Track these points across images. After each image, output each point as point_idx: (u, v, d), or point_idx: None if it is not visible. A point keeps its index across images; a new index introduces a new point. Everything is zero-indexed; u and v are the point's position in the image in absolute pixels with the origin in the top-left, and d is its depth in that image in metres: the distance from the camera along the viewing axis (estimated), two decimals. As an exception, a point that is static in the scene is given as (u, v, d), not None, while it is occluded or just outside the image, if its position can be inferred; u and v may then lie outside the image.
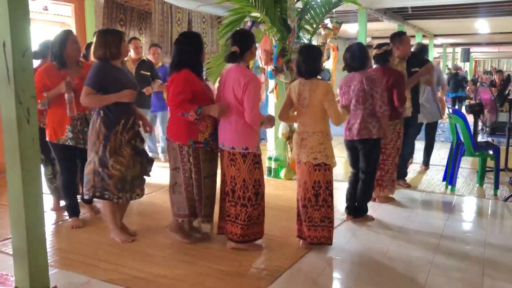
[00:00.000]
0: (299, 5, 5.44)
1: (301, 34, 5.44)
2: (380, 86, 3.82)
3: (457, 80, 12.50)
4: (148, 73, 5.85)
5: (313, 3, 5.39)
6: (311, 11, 5.43)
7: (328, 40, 5.68)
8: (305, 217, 3.38)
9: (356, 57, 3.87)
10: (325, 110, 3.32)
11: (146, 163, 3.57)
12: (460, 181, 5.41)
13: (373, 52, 4.35)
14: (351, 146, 4.02)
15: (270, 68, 5.14)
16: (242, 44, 3.27)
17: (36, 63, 4.11)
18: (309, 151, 3.33)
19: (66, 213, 4.06)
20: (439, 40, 17.90)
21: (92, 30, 6.39)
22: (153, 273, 3.01)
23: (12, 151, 2.26)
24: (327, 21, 5.73)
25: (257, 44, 5.30)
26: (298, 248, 3.42)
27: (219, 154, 3.43)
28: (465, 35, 16.08)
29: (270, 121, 3.41)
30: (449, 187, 5.12)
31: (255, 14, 5.28)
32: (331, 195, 3.37)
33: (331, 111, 3.31)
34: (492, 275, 3.06)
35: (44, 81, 3.61)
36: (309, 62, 3.35)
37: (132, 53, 5.72)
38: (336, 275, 3.12)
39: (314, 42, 5.57)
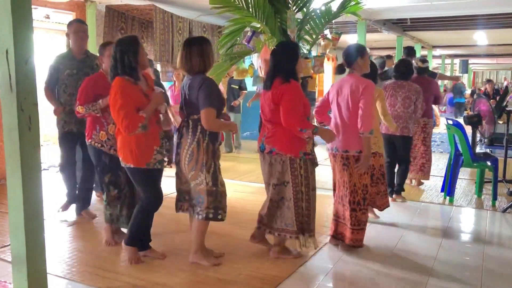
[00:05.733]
0: (299, 15, 5.48)
1: (300, 44, 5.47)
2: (422, 97, 4.95)
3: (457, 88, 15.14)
4: (237, 87, 7.88)
5: (313, 14, 5.43)
6: (311, 22, 5.47)
7: (327, 51, 5.71)
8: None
9: (404, 69, 5.04)
10: (376, 109, 4.17)
11: None
12: (458, 192, 5.42)
13: (418, 64, 5.70)
14: (390, 140, 5.00)
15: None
16: (347, 57, 3.57)
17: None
18: None
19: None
20: (437, 51, 18.02)
21: (93, 38, 6.40)
22: (151, 281, 3.01)
23: (13, 157, 2.27)
24: (327, 31, 5.77)
25: (257, 54, 5.37)
26: (297, 258, 3.41)
27: (332, 160, 3.67)
28: (464, 47, 16.19)
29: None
30: (448, 197, 5.13)
31: (256, 24, 5.32)
32: (382, 175, 4.21)
33: (383, 109, 4.34)
34: (491, 285, 3.07)
35: (129, 99, 2.99)
36: (370, 75, 3.89)
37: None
38: (334, 285, 3.12)
39: (314, 53, 5.60)
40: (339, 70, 3.65)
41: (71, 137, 4.16)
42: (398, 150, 5.05)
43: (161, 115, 3.11)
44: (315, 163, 3.34)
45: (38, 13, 6.47)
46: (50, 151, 7.34)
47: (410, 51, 6.58)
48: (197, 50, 3.08)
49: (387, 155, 4.98)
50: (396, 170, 5.15)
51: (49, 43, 7.65)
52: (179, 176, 3.28)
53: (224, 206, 3.20)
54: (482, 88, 16.50)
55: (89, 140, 3.55)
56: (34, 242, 2.35)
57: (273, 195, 3.31)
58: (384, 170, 4.24)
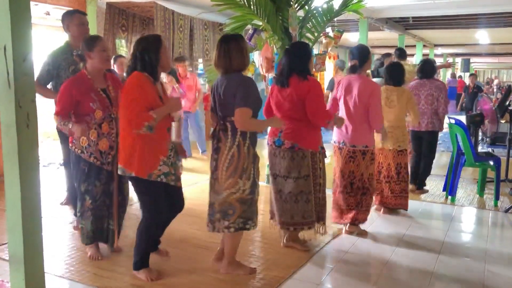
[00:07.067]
0: (301, 13, 5.45)
1: (302, 42, 5.44)
2: (444, 93, 5.18)
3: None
4: None
5: (314, 12, 5.40)
6: (313, 20, 5.44)
7: (329, 49, 5.68)
8: (387, 190, 4.43)
9: (427, 69, 5.30)
10: (406, 110, 4.39)
11: None
12: (460, 191, 5.40)
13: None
14: (418, 136, 5.30)
15: (271, 75, 5.14)
16: (360, 57, 3.82)
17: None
18: (395, 140, 4.31)
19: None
20: (439, 50, 17.98)
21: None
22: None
23: (11, 155, 2.24)
24: (329, 29, 5.74)
25: (258, 51, 5.34)
26: (298, 258, 3.40)
27: (336, 152, 3.92)
28: (466, 45, 16.15)
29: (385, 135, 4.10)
30: (450, 197, 5.11)
31: (257, 22, 5.29)
32: (407, 173, 4.44)
33: (414, 112, 4.44)
34: (492, 285, 3.04)
35: (145, 96, 2.77)
36: (398, 76, 4.42)
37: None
38: (334, 285, 3.09)
39: (315, 51, 5.58)
40: (352, 69, 3.85)
41: None
42: (423, 146, 5.31)
43: (173, 124, 2.88)
44: (325, 155, 3.56)
45: (38, 9, 6.43)
46: (50, 148, 7.32)
47: (401, 53, 6.59)
48: (235, 47, 2.89)
49: (414, 149, 5.37)
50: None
51: (49, 40, 7.62)
52: (213, 186, 3.02)
53: (254, 216, 3.01)
54: (485, 89, 16.32)
55: (70, 145, 3.28)
56: (32, 241, 2.32)
57: (293, 189, 3.36)
58: (407, 168, 4.44)
